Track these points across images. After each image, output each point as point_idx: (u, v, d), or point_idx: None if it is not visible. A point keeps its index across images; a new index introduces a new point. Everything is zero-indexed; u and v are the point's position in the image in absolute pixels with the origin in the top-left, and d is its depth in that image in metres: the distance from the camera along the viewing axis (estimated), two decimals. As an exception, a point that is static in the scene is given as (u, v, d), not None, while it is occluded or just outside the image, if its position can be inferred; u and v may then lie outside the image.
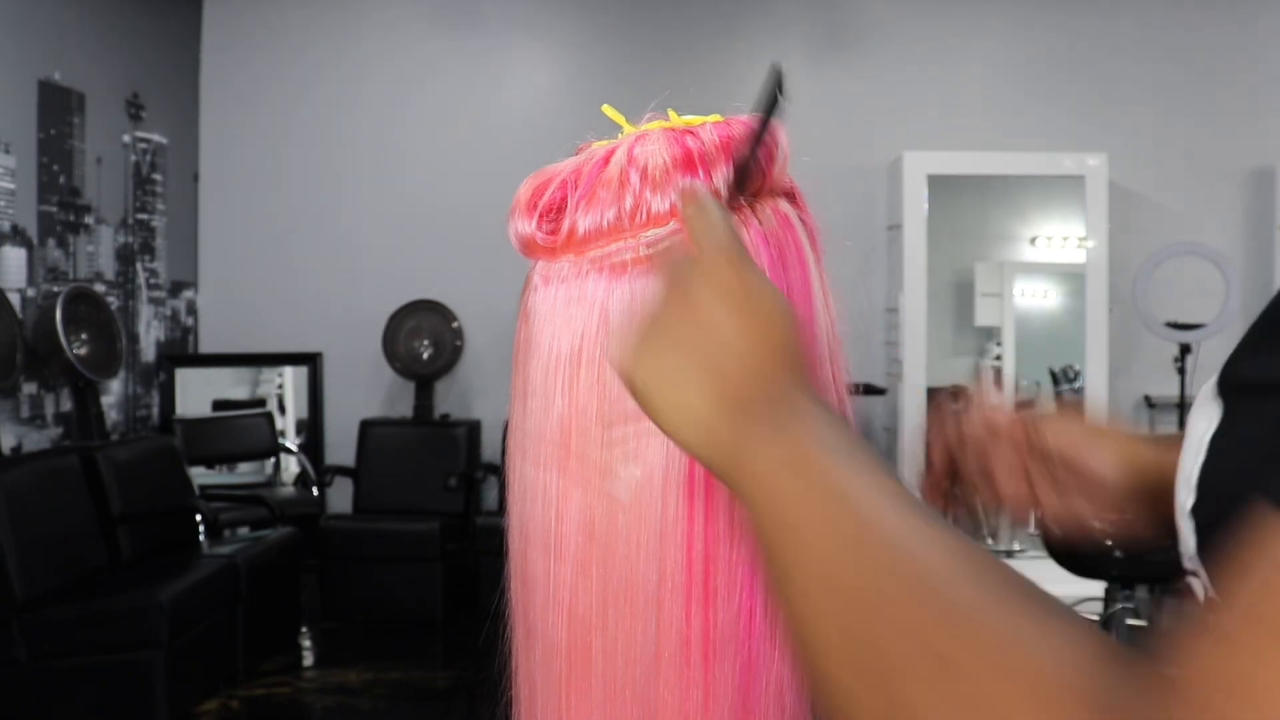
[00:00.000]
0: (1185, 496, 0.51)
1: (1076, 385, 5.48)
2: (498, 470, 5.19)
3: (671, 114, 0.70)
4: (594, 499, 0.65)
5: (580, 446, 0.66)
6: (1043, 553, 4.24)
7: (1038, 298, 5.81)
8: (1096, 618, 4.13)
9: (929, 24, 5.48)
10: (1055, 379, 5.74)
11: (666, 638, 0.65)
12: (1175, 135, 5.27)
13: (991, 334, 5.74)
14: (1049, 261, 5.65)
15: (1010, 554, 5.56)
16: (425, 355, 5.42)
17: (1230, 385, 0.50)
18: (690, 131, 0.67)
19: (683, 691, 0.64)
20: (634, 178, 0.65)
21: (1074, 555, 3.71)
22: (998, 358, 5.73)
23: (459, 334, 5.43)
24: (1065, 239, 5.36)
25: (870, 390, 5.18)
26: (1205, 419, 0.51)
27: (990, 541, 5.70)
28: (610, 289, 0.65)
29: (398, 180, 5.56)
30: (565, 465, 0.66)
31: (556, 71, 5.60)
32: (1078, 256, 5.30)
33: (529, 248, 0.68)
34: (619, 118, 0.69)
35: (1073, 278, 5.50)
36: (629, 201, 0.64)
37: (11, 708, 3.36)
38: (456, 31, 5.56)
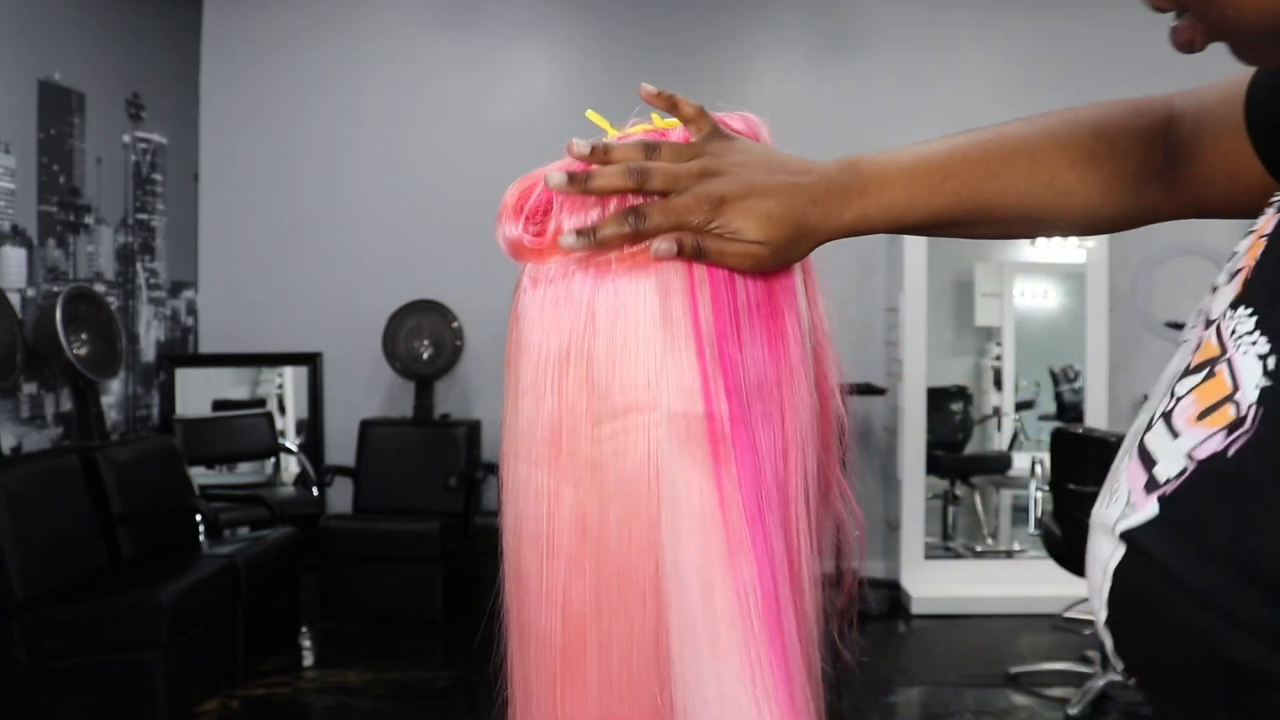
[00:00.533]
0: (1099, 608, 0.57)
1: (1076, 385, 5.48)
2: (497, 470, 5.19)
3: (655, 117, 0.71)
4: (585, 495, 0.66)
5: (571, 444, 0.66)
6: (1043, 552, 4.24)
7: (1038, 298, 5.81)
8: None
9: (929, 25, 5.49)
10: (1055, 379, 5.74)
11: (666, 630, 0.65)
12: (1175, 135, 5.27)
13: (991, 334, 5.74)
14: (1049, 261, 5.66)
15: (1010, 554, 5.56)
16: (425, 355, 5.42)
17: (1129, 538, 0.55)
18: (664, 133, 0.69)
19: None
20: None
21: (1074, 555, 3.71)
22: (998, 358, 5.73)
23: (459, 334, 5.43)
24: (1065, 239, 5.36)
25: (870, 390, 5.18)
26: (1108, 549, 0.56)
27: (990, 541, 5.70)
28: (596, 288, 0.66)
29: (398, 180, 5.56)
30: (556, 463, 0.67)
31: (556, 72, 5.60)
32: (1078, 256, 5.30)
33: (517, 251, 0.69)
34: (603, 122, 0.70)
35: (1073, 278, 5.50)
36: (612, 202, 0.65)
37: (11, 708, 3.36)
38: (456, 31, 5.56)
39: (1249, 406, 0.51)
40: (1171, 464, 0.53)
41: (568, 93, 5.46)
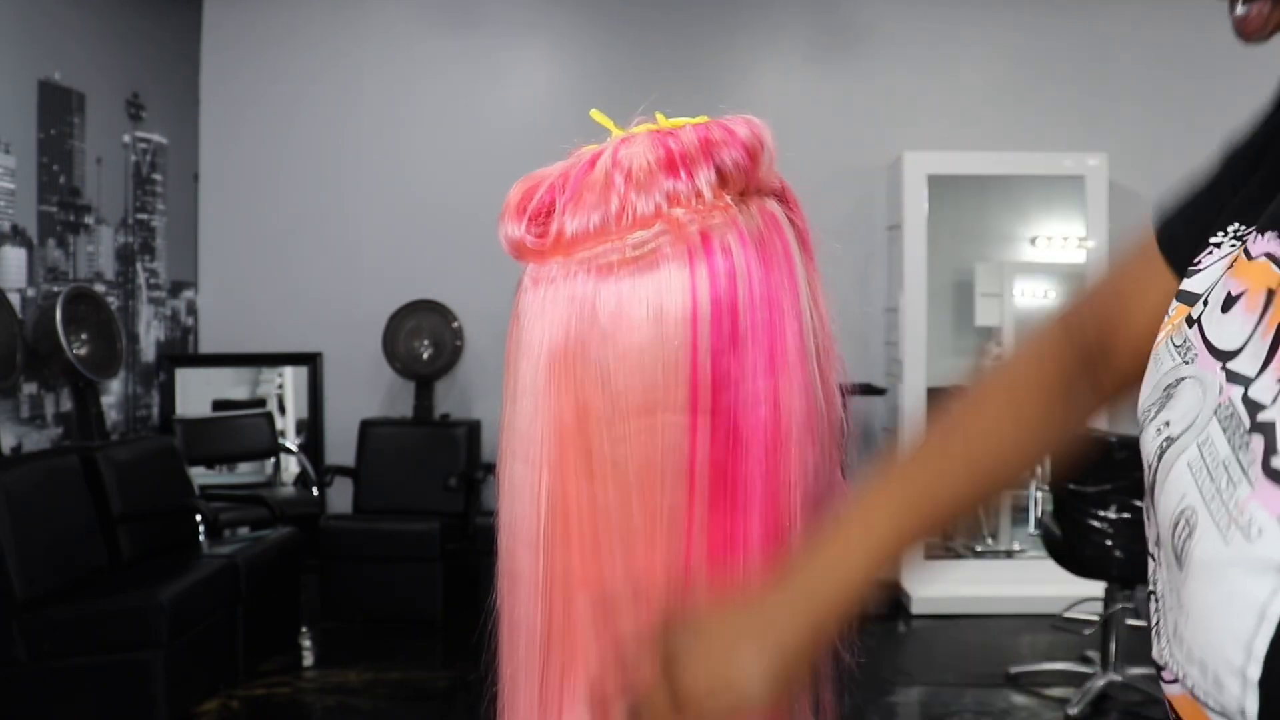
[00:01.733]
0: (1243, 660, 0.48)
1: (1076, 385, 5.47)
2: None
3: (659, 117, 0.70)
4: (583, 496, 0.65)
5: (569, 444, 0.66)
6: (1043, 552, 4.24)
7: (1038, 298, 5.81)
8: (1096, 617, 4.14)
9: (929, 24, 5.48)
10: (1055, 379, 5.73)
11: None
12: (1175, 135, 5.27)
13: (991, 334, 5.74)
14: (1049, 261, 5.65)
15: (1010, 554, 5.56)
16: (425, 355, 5.42)
17: None
18: (672, 134, 0.68)
19: None
20: (619, 180, 0.66)
21: (1074, 555, 3.71)
22: (998, 358, 5.73)
23: (459, 334, 5.43)
24: (1065, 239, 5.36)
25: (870, 390, 5.18)
26: (1268, 586, 0.48)
27: (990, 541, 5.70)
28: (597, 289, 0.65)
29: (398, 180, 5.56)
30: (553, 463, 0.66)
31: (556, 71, 5.60)
32: (1078, 256, 5.30)
33: (519, 251, 0.69)
34: (607, 121, 0.70)
35: (1073, 278, 5.49)
36: (614, 204, 0.65)
37: (11, 708, 3.36)
38: (456, 31, 5.56)
39: None
40: None
41: (568, 93, 5.46)
